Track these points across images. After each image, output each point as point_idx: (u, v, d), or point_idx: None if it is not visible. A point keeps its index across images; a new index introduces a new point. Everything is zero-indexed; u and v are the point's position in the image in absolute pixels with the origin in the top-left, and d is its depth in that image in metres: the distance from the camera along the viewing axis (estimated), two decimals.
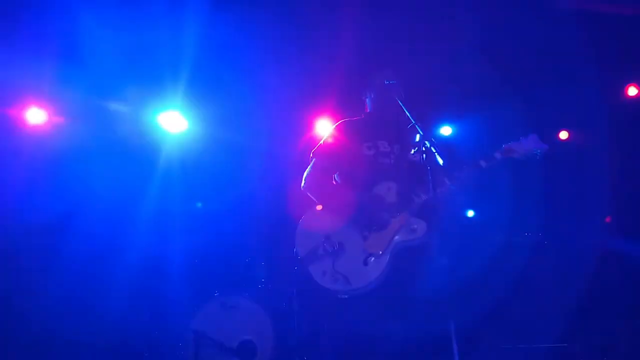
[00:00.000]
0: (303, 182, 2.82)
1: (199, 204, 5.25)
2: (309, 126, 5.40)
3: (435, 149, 2.37)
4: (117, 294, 4.52)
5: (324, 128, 5.10)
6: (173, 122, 5.16)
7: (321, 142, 2.96)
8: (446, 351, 2.37)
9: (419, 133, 2.48)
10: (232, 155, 5.44)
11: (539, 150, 2.77)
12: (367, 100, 2.99)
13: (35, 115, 4.71)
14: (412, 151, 2.75)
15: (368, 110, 2.99)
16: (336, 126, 2.95)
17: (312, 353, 4.38)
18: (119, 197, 4.74)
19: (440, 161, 2.36)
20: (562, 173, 5.22)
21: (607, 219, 5.31)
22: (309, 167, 2.87)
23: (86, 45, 4.22)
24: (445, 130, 5.84)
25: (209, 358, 3.85)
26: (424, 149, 2.42)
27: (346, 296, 2.45)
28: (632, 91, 5.50)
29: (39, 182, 4.57)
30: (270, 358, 3.92)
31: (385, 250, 2.49)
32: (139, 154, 4.92)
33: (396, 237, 2.52)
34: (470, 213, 5.46)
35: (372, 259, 2.48)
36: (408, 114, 2.57)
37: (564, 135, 6.13)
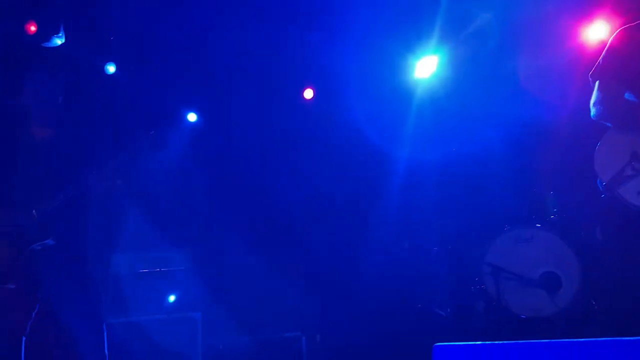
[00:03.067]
0: (592, 110, 2.49)
1: None
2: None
3: None
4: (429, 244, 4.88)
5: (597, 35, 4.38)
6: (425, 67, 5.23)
7: (600, 59, 2.51)
8: None
9: None
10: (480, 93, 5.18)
11: None
12: None
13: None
14: None
15: None
16: (616, 36, 2.47)
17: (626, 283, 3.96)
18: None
19: None
20: None
21: None
22: (594, 92, 2.50)
23: None
24: None
25: (510, 290, 3.85)
26: None
27: None
28: None
29: None
30: (577, 289, 3.72)
31: None
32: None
33: None
34: None
35: None
36: None
37: None
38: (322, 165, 5.21)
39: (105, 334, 2.91)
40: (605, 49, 2.54)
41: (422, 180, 4.75)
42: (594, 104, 2.52)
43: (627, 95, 2.46)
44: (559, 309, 3.69)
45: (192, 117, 5.97)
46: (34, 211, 2.76)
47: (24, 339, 2.76)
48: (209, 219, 5.33)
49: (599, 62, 2.55)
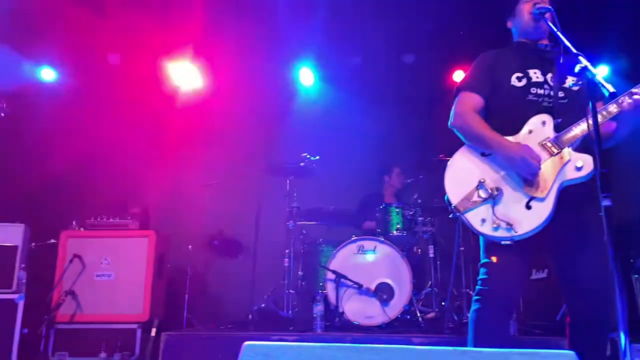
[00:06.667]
0: (451, 118, 2.57)
1: None
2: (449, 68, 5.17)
3: (599, 80, 2.07)
4: (264, 238, 4.85)
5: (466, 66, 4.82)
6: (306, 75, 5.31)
7: (465, 75, 2.66)
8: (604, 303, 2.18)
9: (578, 63, 2.17)
10: (366, 105, 5.43)
11: None
12: (514, 28, 2.71)
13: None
14: (570, 82, 2.46)
15: (515, 40, 2.71)
16: (479, 58, 2.63)
17: (449, 298, 4.33)
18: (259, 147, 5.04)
19: (607, 92, 2.05)
20: None
21: None
22: (454, 103, 2.59)
23: None
24: (601, 71, 5.17)
25: (348, 297, 3.99)
26: (584, 80, 2.13)
27: (510, 242, 2.28)
28: None
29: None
30: (407, 301, 3.96)
31: (549, 192, 2.22)
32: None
33: (559, 177, 2.24)
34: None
35: (536, 202, 2.22)
36: (565, 42, 2.28)
37: None
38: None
39: None
40: (472, 67, 2.66)
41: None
42: (453, 114, 2.57)
43: (481, 112, 2.56)
44: (388, 318, 3.91)
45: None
46: None
47: None
48: None
49: (464, 77, 2.66)
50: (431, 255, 4.29)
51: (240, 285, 4.88)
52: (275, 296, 4.44)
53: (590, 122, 2.08)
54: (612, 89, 1.99)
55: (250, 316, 4.25)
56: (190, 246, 4.89)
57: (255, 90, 5.31)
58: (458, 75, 5.42)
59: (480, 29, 4.33)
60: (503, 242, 2.27)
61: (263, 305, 4.40)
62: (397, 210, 4.34)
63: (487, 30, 3.68)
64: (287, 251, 4.47)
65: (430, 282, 4.33)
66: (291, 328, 3.94)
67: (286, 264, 4.46)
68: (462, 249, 4.27)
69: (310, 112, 5.46)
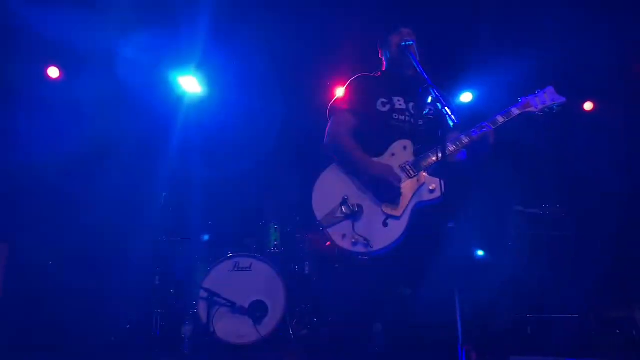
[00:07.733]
0: (325, 138, 2.71)
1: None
2: (326, 88, 5.31)
3: (446, 111, 2.27)
4: (133, 254, 4.59)
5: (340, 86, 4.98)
6: (190, 84, 5.18)
7: (338, 96, 2.84)
8: (451, 319, 2.34)
9: (431, 95, 2.38)
10: (247, 120, 5.40)
11: (556, 104, 2.67)
12: (384, 58, 2.91)
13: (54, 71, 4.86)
14: (425, 111, 2.67)
15: (384, 68, 2.91)
16: (352, 80, 2.81)
17: (322, 315, 4.40)
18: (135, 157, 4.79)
19: (451, 123, 2.26)
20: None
21: None
22: (329, 123, 2.75)
23: None
24: (466, 97, 5.65)
25: (220, 316, 3.88)
26: (434, 110, 2.34)
27: (366, 257, 2.41)
28: None
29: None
30: (281, 319, 3.95)
31: (404, 212, 2.39)
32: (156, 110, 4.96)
33: (414, 198, 2.43)
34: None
35: (392, 220, 2.38)
36: (423, 74, 2.47)
37: (588, 106, 5.86)
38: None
39: None
40: (344, 89, 2.83)
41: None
42: (327, 132, 2.71)
43: (354, 132, 2.68)
44: (261, 337, 3.86)
45: None
46: None
47: None
48: None
49: (337, 98, 2.83)
50: (307, 271, 4.33)
51: (105, 304, 4.54)
52: (143, 316, 4.19)
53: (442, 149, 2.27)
54: (455, 120, 2.18)
55: (113, 338, 3.97)
56: (50, 262, 4.48)
57: (139, 97, 5.05)
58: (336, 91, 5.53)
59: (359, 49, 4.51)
60: (360, 257, 2.38)
61: (128, 326, 4.13)
62: (276, 227, 4.35)
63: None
64: (157, 268, 4.26)
65: (304, 300, 4.35)
66: (157, 349, 3.74)
67: (157, 282, 4.24)
68: (337, 266, 4.35)
69: (194, 122, 5.30)
